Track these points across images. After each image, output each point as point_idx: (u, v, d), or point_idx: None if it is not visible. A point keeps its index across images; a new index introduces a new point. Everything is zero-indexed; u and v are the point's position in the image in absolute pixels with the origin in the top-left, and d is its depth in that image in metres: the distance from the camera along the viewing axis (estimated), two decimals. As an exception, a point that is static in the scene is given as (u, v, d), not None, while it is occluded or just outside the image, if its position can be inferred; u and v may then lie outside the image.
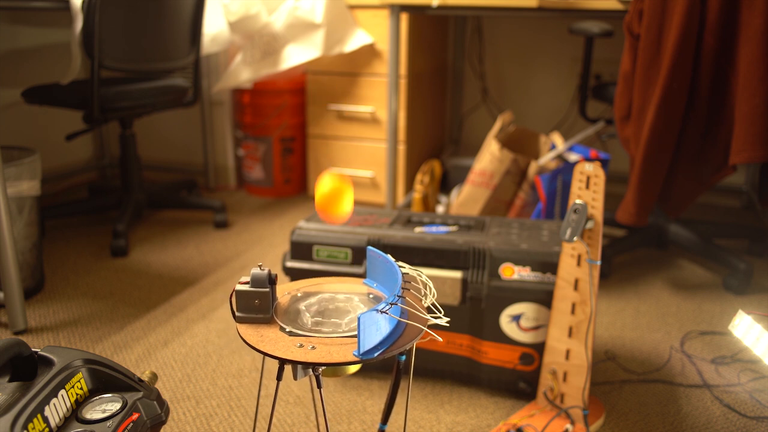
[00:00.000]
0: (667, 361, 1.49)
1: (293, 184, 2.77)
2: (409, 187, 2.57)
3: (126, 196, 2.26)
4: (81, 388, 0.74)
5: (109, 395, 0.75)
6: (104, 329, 1.60)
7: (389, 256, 0.81)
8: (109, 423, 0.71)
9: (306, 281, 0.89)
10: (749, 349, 1.39)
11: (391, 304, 0.71)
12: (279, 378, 0.76)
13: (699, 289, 1.87)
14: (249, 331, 0.75)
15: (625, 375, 1.43)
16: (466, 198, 2.07)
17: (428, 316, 0.76)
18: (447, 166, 2.68)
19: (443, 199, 2.40)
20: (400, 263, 0.81)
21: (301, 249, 1.37)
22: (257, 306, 0.77)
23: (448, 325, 1.25)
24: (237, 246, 2.17)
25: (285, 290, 0.86)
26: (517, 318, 1.28)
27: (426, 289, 0.81)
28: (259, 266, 0.78)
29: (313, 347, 0.70)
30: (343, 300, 0.82)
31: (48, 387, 0.70)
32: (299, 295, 0.84)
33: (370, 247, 0.86)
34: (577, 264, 1.19)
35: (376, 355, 0.68)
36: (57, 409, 0.70)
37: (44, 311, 1.69)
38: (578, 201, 1.17)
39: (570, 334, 1.21)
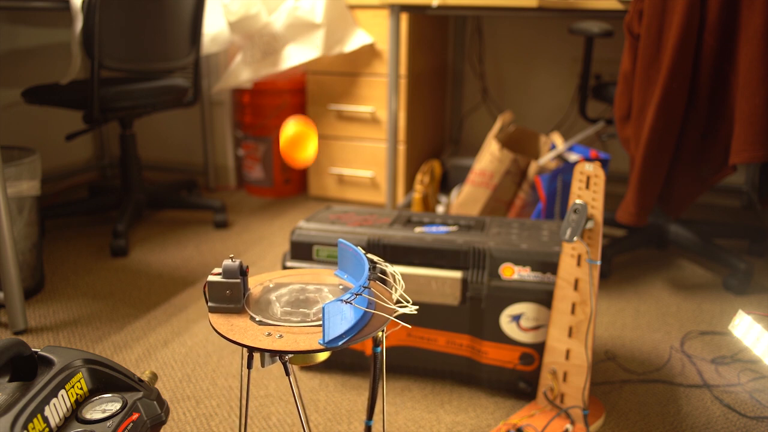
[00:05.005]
0: (667, 361, 1.49)
1: (293, 184, 2.77)
2: (409, 187, 2.57)
3: (126, 196, 2.26)
4: (81, 388, 0.74)
5: (109, 395, 0.76)
6: (104, 329, 1.60)
7: (359, 249, 0.82)
8: (109, 423, 0.71)
9: (278, 273, 0.91)
10: (749, 349, 1.39)
11: (356, 295, 0.72)
12: (249, 366, 0.78)
13: (699, 289, 1.87)
14: (220, 321, 0.77)
15: (625, 375, 1.43)
16: (466, 198, 2.07)
17: (394, 306, 0.78)
18: (447, 166, 2.68)
19: (443, 199, 2.40)
20: (371, 256, 0.83)
21: (301, 249, 1.37)
22: (229, 296, 0.79)
23: (416, 312, 1.26)
24: (237, 246, 2.17)
25: (257, 281, 0.88)
26: (517, 318, 1.28)
27: (395, 281, 0.83)
28: (231, 258, 0.80)
29: (281, 336, 0.73)
30: (313, 291, 0.84)
31: (48, 387, 0.70)
32: (271, 285, 0.86)
33: (341, 240, 0.88)
34: (577, 264, 1.19)
35: (341, 343, 0.71)
36: (57, 409, 0.70)
37: (44, 311, 1.69)
38: (578, 201, 1.17)
39: (570, 334, 1.21)
